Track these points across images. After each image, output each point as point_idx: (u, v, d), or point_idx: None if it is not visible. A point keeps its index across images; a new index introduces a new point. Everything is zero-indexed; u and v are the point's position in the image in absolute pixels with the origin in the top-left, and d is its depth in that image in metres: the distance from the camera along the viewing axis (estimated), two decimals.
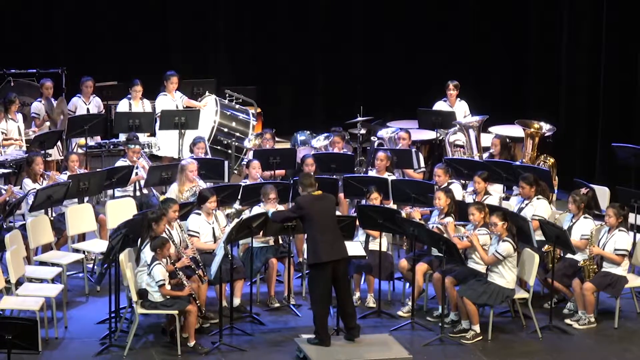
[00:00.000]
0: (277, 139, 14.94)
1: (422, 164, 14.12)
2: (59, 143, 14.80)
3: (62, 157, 14.70)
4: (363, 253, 11.43)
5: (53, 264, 11.84)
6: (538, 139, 14.23)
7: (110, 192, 13.30)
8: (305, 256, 12.17)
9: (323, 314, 10.47)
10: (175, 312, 10.55)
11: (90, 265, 12.56)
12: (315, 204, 10.47)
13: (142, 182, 13.30)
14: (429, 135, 15.39)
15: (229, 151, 14.85)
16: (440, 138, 15.23)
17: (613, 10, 15.16)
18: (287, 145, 15.29)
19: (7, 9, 17.04)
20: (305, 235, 10.86)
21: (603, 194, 12.95)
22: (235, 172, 14.75)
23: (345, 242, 10.65)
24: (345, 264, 10.61)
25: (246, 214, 11.89)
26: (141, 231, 10.79)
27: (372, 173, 13.41)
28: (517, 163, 13.52)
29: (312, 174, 10.77)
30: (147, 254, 10.67)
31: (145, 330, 11.10)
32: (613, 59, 15.21)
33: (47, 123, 15.06)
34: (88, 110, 15.26)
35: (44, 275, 11.57)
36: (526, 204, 12.03)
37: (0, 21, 17.05)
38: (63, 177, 12.81)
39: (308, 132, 15.23)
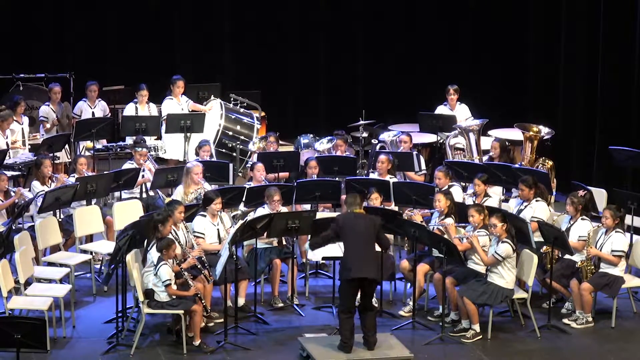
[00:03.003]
0: (280, 142, 14.96)
1: (423, 166, 14.19)
2: (67, 146, 14.93)
3: (70, 160, 14.84)
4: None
5: (61, 265, 11.93)
6: (537, 142, 14.27)
7: (117, 194, 13.37)
8: (308, 257, 12.35)
9: (345, 323, 10.48)
10: (181, 311, 10.65)
11: (98, 266, 12.64)
12: (352, 222, 10.50)
13: (149, 185, 13.43)
14: (429, 138, 15.46)
15: (234, 154, 14.92)
16: (441, 141, 15.31)
17: (611, 16, 15.21)
18: (291, 148, 15.36)
19: (16, 14, 17.14)
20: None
21: (600, 196, 13.00)
22: (240, 174, 14.83)
23: (376, 265, 10.64)
24: (373, 284, 10.57)
25: (251, 216, 12.07)
26: (148, 232, 10.89)
27: (373, 175, 13.50)
28: (516, 166, 13.57)
29: (356, 195, 10.81)
30: (153, 254, 10.76)
31: (151, 329, 11.18)
32: (610, 64, 15.26)
33: (56, 127, 15.17)
34: (93, 114, 15.30)
35: (52, 275, 11.66)
36: (525, 206, 12.11)
37: (9, 26, 17.13)
38: (71, 179, 12.89)
39: (311, 135, 15.31)
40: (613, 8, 15.23)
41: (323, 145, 14.82)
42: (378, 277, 10.61)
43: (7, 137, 14.26)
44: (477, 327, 11.14)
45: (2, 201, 12.33)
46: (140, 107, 15.19)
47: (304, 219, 11.53)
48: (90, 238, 12.85)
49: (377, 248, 10.81)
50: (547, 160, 14.13)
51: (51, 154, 13.85)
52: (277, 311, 11.83)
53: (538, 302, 11.80)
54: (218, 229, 11.70)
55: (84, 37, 17.50)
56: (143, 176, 13.41)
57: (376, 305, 11.33)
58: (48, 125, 15.11)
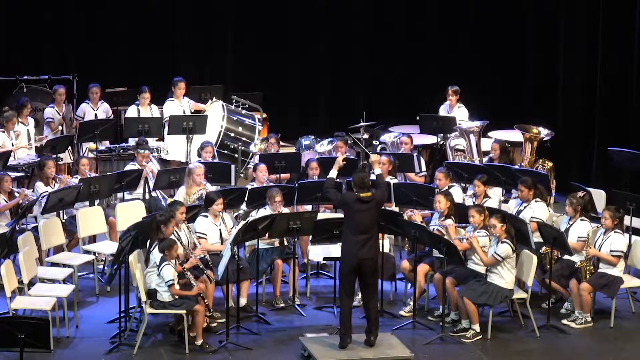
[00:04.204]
0: (282, 143, 15.00)
1: (424, 167, 14.25)
2: (70, 147, 14.97)
3: (73, 161, 14.92)
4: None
5: (64, 265, 11.98)
6: (536, 143, 14.33)
7: (120, 195, 13.46)
8: (310, 257, 12.43)
9: (344, 309, 10.58)
10: (183, 311, 10.71)
11: (101, 266, 12.69)
12: (357, 205, 10.50)
13: (151, 185, 13.48)
14: (430, 140, 15.53)
15: (236, 155, 14.98)
16: (441, 143, 15.39)
17: (610, 17, 15.28)
18: (292, 150, 15.44)
19: (19, 16, 17.19)
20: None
21: (599, 197, 13.07)
22: (242, 175, 14.92)
23: (379, 243, 10.71)
24: (373, 264, 10.55)
25: (252, 216, 12.14)
26: (150, 233, 10.95)
27: (374, 177, 13.59)
28: (516, 167, 13.66)
29: (366, 176, 10.70)
30: (156, 255, 10.82)
31: (154, 329, 11.24)
32: (609, 67, 15.33)
33: (60, 127, 15.22)
34: (96, 115, 15.39)
35: (55, 275, 11.71)
36: (525, 207, 12.17)
37: (13, 29, 17.21)
38: (74, 180, 12.95)
39: (312, 136, 15.37)
40: (612, 9, 15.30)
41: (324, 146, 14.89)
42: (374, 255, 10.55)
43: (12, 139, 14.33)
44: (477, 327, 11.21)
45: (6, 202, 12.40)
46: (142, 109, 15.26)
47: (305, 220, 11.60)
48: (93, 239, 12.92)
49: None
50: (546, 161, 14.21)
51: (54, 155, 13.93)
52: (279, 311, 11.89)
53: (537, 302, 11.86)
54: (220, 230, 11.76)
55: (87, 39, 17.56)
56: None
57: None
58: (60, 127, 15.18)
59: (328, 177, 11.02)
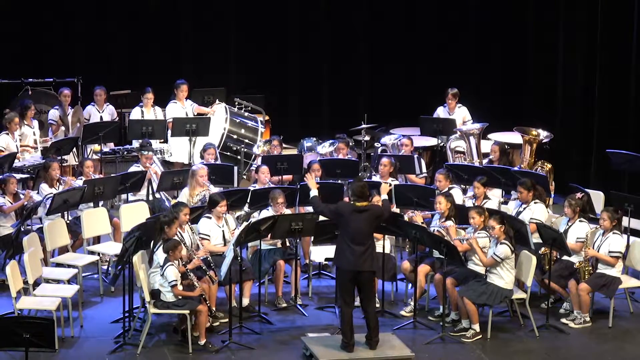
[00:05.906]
0: (284, 145, 15.06)
1: (424, 169, 14.30)
2: (74, 149, 15.05)
3: (78, 163, 15.02)
4: None
5: (69, 266, 12.05)
6: (536, 145, 14.37)
7: (124, 196, 13.54)
8: (312, 257, 12.51)
9: (343, 315, 10.63)
10: (187, 311, 10.77)
11: (105, 267, 12.75)
12: (353, 215, 10.51)
13: (155, 186, 13.57)
14: (430, 141, 15.60)
15: (238, 157, 15.05)
16: (442, 145, 15.46)
17: (609, 19, 15.32)
18: (294, 152, 15.49)
19: (24, 19, 17.29)
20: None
21: (598, 198, 13.13)
22: (244, 177, 14.97)
23: (376, 253, 10.70)
24: (370, 277, 10.62)
25: (254, 217, 12.22)
26: (154, 234, 11.01)
27: (375, 178, 13.63)
28: (515, 168, 13.71)
29: (365, 185, 10.68)
30: (159, 255, 10.88)
31: (157, 329, 11.30)
32: (608, 68, 15.37)
33: (63, 129, 15.28)
34: (101, 117, 15.48)
35: (60, 276, 11.78)
36: (524, 208, 12.23)
37: (18, 32, 17.26)
38: (78, 182, 13.04)
39: (314, 138, 15.41)
40: (611, 11, 15.33)
41: (325, 148, 14.94)
42: (373, 267, 10.61)
43: (16, 140, 14.42)
44: (477, 327, 11.27)
45: (12, 203, 12.47)
46: (146, 110, 15.33)
47: (307, 221, 11.67)
48: (97, 239, 12.99)
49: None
50: (545, 163, 14.26)
51: (59, 157, 14.01)
52: (281, 311, 11.95)
53: (537, 302, 11.91)
54: (223, 231, 11.82)
55: (91, 42, 17.63)
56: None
57: (377, 305, 11.43)
58: (63, 128, 15.29)
59: (311, 197, 10.98)
